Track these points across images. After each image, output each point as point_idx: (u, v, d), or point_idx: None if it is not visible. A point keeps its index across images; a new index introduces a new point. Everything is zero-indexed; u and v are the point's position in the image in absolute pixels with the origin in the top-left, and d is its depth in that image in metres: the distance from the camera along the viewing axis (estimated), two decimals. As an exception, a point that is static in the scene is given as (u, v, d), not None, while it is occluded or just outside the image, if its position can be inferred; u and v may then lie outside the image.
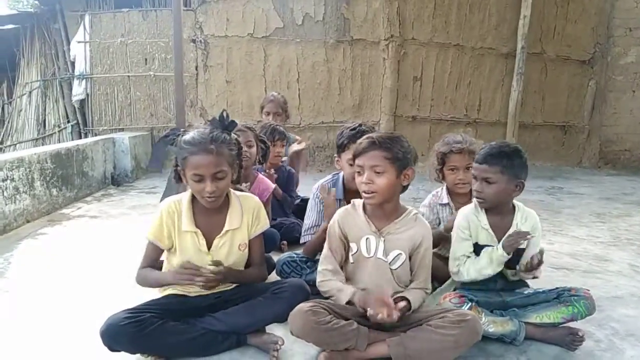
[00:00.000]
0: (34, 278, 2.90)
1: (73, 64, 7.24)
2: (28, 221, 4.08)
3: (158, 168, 6.16)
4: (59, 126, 7.40)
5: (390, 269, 2.08)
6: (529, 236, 2.10)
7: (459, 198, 2.72)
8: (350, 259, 2.12)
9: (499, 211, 2.24)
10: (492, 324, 2.11)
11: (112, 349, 1.85)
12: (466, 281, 2.24)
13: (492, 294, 2.27)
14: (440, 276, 2.46)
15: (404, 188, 2.12)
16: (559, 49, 8.04)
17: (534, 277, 2.23)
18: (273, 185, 3.11)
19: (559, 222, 4.53)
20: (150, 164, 6.62)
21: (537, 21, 7.66)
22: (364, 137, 2.07)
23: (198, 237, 2.08)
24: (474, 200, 2.30)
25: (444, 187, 2.84)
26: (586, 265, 3.32)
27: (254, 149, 3.03)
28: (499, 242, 2.20)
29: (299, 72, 7.36)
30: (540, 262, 2.11)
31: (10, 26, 7.62)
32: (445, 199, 2.79)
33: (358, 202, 2.18)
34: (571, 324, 2.15)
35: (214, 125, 2.08)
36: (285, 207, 3.70)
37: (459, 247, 2.26)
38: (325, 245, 2.17)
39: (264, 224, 2.22)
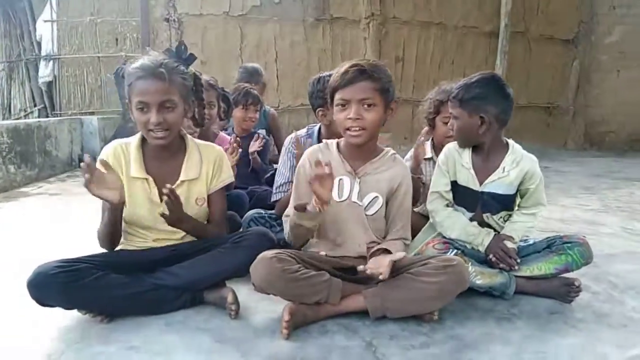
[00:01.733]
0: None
1: (39, 44, 6.89)
2: (-20, 197, 3.78)
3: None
4: (25, 110, 7.04)
5: (366, 214, 1.84)
6: (516, 267, 1.92)
7: None
8: None
9: (485, 150, 2.02)
10: (479, 275, 1.90)
11: (41, 303, 1.60)
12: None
13: None
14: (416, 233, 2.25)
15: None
16: (543, 28, 7.91)
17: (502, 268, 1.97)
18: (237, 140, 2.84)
19: (547, 194, 4.30)
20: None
21: (520, -1, 7.51)
22: (348, 66, 1.77)
23: (149, 185, 1.83)
24: None
25: (428, 142, 2.63)
26: (577, 229, 3.13)
27: (215, 110, 2.77)
28: (480, 184, 2.01)
29: (277, 52, 7.11)
30: (511, 256, 1.92)
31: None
32: (429, 152, 2.57)
33: (331, 142, 1.94)
34: (566, 275, 1.94)
35: (170, 56, 1.84)
36: (261, 175, 3.45)
37: (435, 182, 2.11)
38: (292, 194, 1.92)
39: (227, 177, 1.97)
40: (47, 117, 6.92)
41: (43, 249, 2.51)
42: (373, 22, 7.07)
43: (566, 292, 1.90)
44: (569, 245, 1.93)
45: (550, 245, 1.98)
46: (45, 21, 6.77)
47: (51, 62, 6.81)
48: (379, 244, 1.84)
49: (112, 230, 1.77)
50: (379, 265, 1.64)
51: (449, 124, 2.12)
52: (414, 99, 7.44)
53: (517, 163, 2.00)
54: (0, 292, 1.99)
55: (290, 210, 1.77)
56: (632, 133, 8.16)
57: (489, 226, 2.07)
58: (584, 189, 4.71)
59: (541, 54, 7.98)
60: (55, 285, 1.55)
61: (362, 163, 1.86)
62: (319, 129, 2.53)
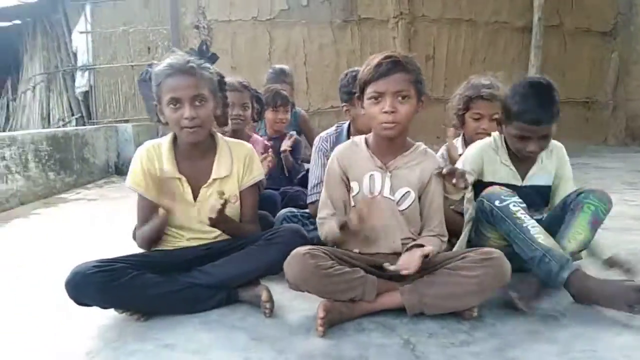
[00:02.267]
0: (19, 250, 2.71)
1: (75, 55, 7.12)
2: (22, 203, 3.89)
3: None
4: (63, 119, 7.27)
5: (398, 209, 1.79)
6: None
7: None
8: (352, 202, 1.83)
9: None
10: (541, 234, 1.77)
11: (79, 302, 1.62)
12: None
13: None
14: (457, 232, 2.17)
15: None
16: (578, 21, 7.65)
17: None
18: (268, 144, 2.85)
19: (588, 190, 4.18)
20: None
21: (553, -9, 7.30)
22: (381, 58, 1.72)
23: (182, 185, 1.84)
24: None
25: (460, 138, 2.57)
26: (622, 224, 2.98)
27: (249, 112, 2.77)
28: (522, 179, 2.01)
29: (306, 54, 7.12)
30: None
31: (16, 22, 7.55)
32: (461, 149, 2.50)
33: (359, 138, 1.90)
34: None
35: (193, 55, 1.86)
36: (293, 175, 3.44)
37: None
38: (323, 192, 1.89)
39: (258, 174, 1.97)
40: (84, 125, 7.14)
41: (81, 251, 2.56)
42: (402, 22, 7.00)
43: (637, 299, 1.57)
44: (583, 195, 1.86)
45: (565, 205, 1.91)
46: (81, 32, 7.00)
47: (87, 72, 7.02)
48: (414, 239, 1.79)
49: (159, 235, 1.82)
50: (408, 262, 1.60)
51: (530, 147, 1.92)
52: (445, 97, 7.27)
53: (551, 152, 2.04)
54: (40, 293, 2.03)
55: (327, 222, 1.79)
56: (676, 126, 7.81)
57: None
58: (628, 185, 4.51)
59: (577, 48, 7.73)
60: (93, 284, 1.56)
61: (392, 157, 1.81)
62: (349, 125, 2.49)
